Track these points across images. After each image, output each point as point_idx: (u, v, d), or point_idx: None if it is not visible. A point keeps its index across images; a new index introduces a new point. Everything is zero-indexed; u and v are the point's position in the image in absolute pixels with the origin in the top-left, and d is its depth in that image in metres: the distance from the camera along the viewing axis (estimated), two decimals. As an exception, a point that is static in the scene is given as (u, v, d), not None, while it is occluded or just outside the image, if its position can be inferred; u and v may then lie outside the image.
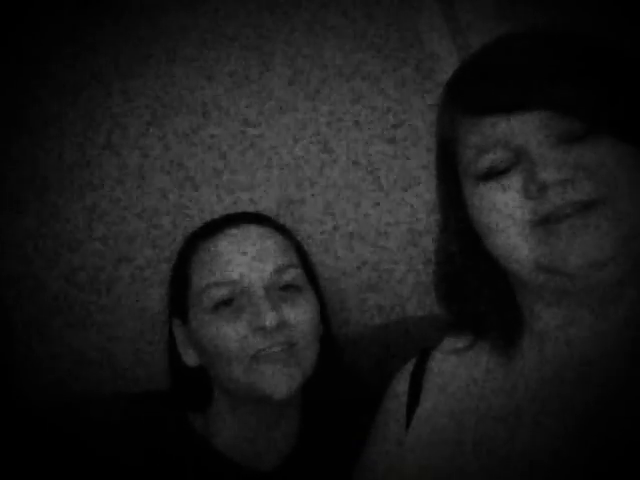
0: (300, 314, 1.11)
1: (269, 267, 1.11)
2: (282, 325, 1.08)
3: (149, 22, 1.51)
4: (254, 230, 1.14)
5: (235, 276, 1.10)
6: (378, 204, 1.49)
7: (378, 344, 1.34)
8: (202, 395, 1.15)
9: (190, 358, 1.15)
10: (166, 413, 1.14)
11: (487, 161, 0.85)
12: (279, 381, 1.07)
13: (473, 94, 0.87)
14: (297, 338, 1.10)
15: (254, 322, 1.08)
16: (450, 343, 1.00)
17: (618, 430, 0.79)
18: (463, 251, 0.94)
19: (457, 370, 0.97)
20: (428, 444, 0.93)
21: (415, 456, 0.93)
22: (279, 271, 1.12)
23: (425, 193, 1.48)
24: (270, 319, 1.07)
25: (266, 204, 1.46)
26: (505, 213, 0.84)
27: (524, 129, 0.83)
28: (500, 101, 0.84)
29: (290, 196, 1.48)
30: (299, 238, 1.23)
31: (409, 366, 1.03)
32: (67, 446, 1.10)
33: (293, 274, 1.13)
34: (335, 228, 1.48)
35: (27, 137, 1.49)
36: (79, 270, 1.46)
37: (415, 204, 1.49)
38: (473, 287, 0.94)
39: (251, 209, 1.40)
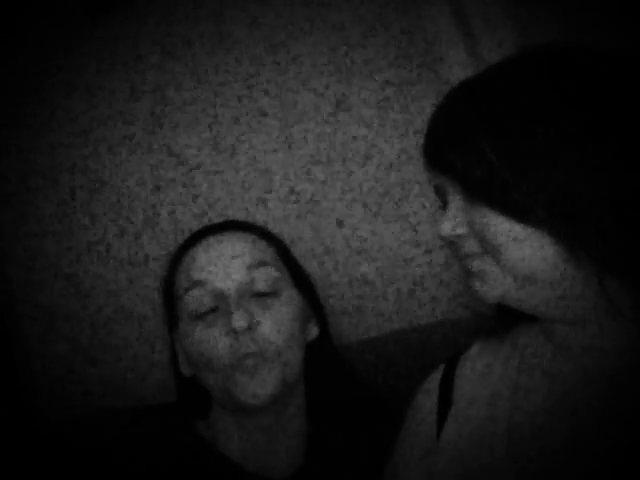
0: (275, 318, 1.09)
1: (240, 265, 1.11)
2: (252, 329, 1.07)
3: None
4: (231, 236, 1.15)
5: (206, 276, 1.10)
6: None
7: (395, 351, 1.33)
8: (202, 403, 1.15)
9: (185, 368, 1.16)
10: (173, 423, 1.15)
11: None
12: (254, 388, 1.06)
13: None
14: (270, 345, 1.08)
15: (226, 325, 1.07)
16: (480, 347, 1.00)
17: None
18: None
19: (489, 373, 0.96)
20: (461, 448, 0.93)
21: (448, 460, 0.93)
22: (251, 269, 1.10)
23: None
24: (238, 320, 1.05)
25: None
26: None
27: None
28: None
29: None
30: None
31: (437, 373, 1.03)
32: (79, 459, 1.11)
33: (267, 273, 1.11)
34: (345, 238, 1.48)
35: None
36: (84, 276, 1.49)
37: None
38: None
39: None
